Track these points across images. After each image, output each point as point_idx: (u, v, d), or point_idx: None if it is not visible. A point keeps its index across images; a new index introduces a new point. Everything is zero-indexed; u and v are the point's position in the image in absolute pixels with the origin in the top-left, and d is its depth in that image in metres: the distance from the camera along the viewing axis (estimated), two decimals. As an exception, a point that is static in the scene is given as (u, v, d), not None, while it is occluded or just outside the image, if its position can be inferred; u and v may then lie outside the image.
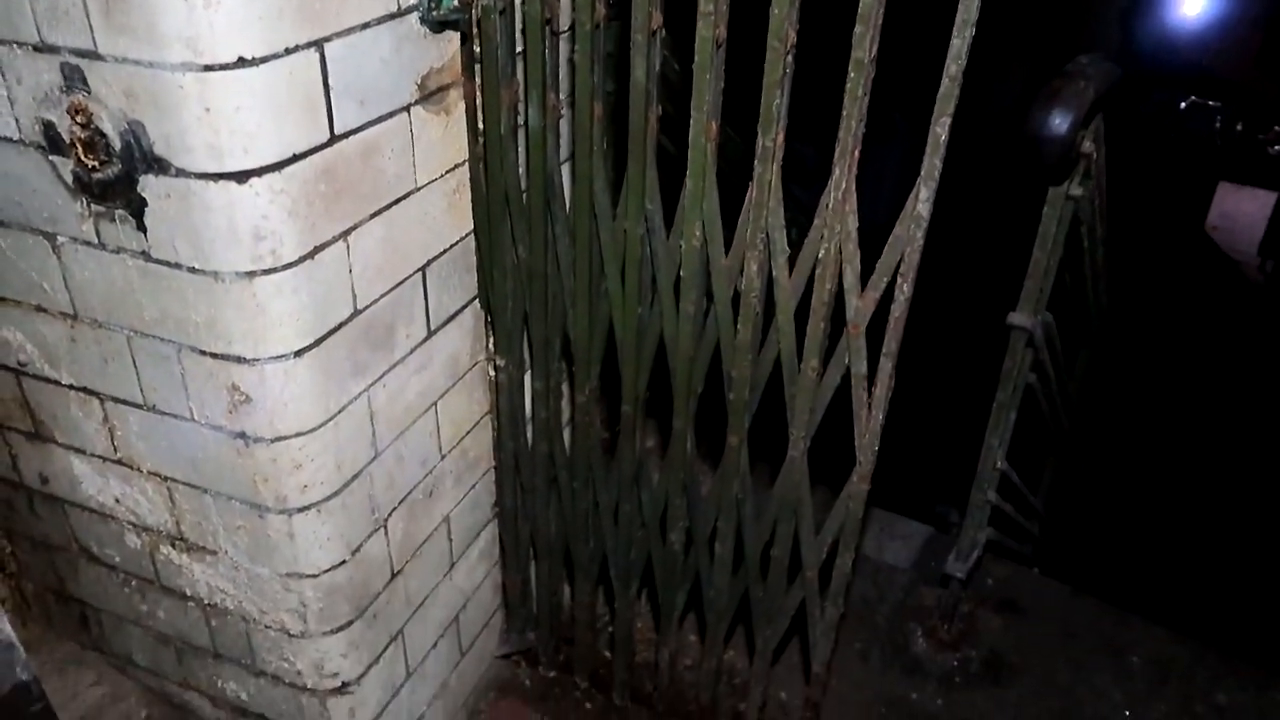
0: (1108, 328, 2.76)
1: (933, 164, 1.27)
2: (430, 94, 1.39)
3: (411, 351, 1.48)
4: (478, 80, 1.47)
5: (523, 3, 1.42)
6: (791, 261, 1.44)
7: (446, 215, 1.50)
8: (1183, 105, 8.94)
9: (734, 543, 1.71)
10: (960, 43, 1.19)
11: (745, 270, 1.45)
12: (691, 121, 1.38)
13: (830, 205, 1.35)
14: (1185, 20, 10.25)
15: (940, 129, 1.24)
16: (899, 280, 1.36)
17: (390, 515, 1.52)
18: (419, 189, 1.41)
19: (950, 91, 1.22)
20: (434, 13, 1.35)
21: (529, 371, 1.74)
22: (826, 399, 1.51)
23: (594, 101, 1.45)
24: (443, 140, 1.44)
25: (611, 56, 1.53)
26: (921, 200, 1.29)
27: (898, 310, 1.38)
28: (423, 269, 1.47)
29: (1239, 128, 8.70)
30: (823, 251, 1.39)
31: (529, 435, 1.79)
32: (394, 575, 1.57)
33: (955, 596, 2.14)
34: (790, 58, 1.31)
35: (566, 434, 1.83)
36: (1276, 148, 8.54)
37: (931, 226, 1.31)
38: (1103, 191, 1.98)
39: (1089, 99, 1.46)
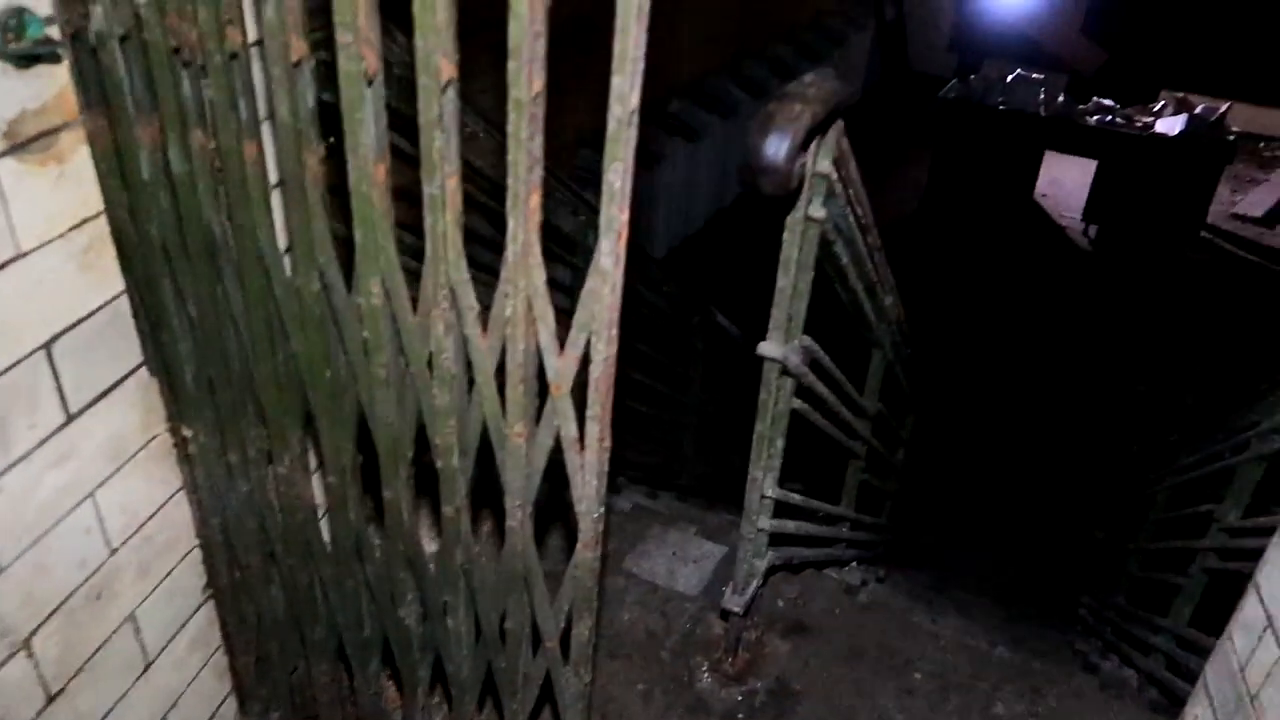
0: (902, 331, 2.74)
1: (610, 215, 1.13)
2: (27, 141, 1.15)
3: (41, 444, 1.26)
4: (105, 120, 1.25)
5: (142, 30, 1.20)
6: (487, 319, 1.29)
7: (79, 278, 1.28)
8: (1008, 79, 9.27)
9: (468, 615, 1.56)
10: (623, 81, 1.05)
11: (433, 330, 1.29)
12: (350, 168, 1.20)
13: (510, 260, 1.20)
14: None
15: (614, 176, 1.10)
16: (592, 339, 1.22)
17: (35, 634, 1.30)
18: (24, 255, 1.18)
19: (619, 134, 1.08)
20: (12, 45, 1.11)
21: (224, 441, 1.53)
22: (541, 464, 1.38)
23: (244, 142, 1.25)
24: (56, 193, 1.21)
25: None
26: (604, 254, 1.16)
27: (596, 371, 1.25)
28: (46, 346, 1.24)
29: (1060, 99, 9.09)
30: (509, 310, 1.24)
31: (235, 509, 1.59)
32: (51, 698, 1.35)
33: (737, 629, 2.07)
34: (452, 92, 1.14)
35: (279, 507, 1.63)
36: (1094, 118, 8.96)
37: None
38: (862, 203, 1.91)
39: (805, 124, 1.35)
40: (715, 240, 8.33)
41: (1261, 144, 10.71)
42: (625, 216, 1.14)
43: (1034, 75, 9.21)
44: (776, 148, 1.33)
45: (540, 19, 1.07)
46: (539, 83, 1.09)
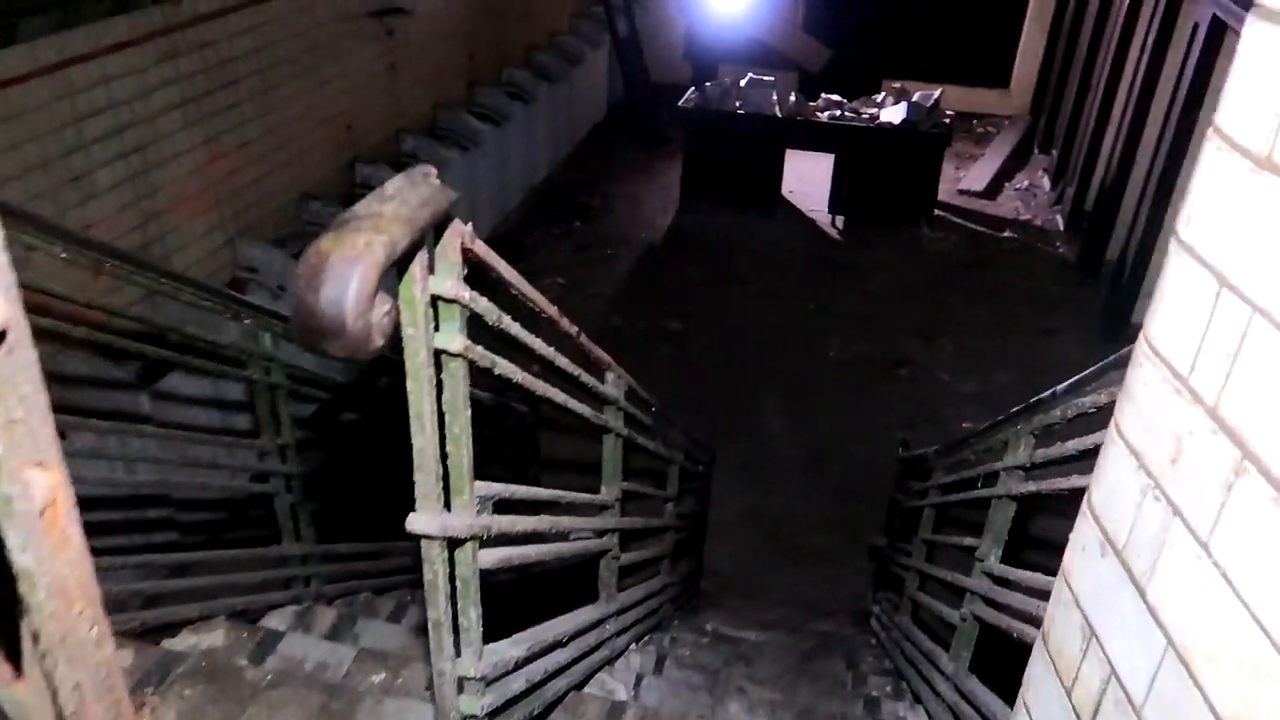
0: (635, 398, 2.45)
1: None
2: None
3: None
4: None
5: None
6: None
7: None
8: (743, 83, 9.43)
9: None
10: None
11: None
12: None
13: None
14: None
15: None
16: (48, 659, 0.79)
17: None
18: None
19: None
20: None
21: None
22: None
23: None
24: None
25: None
26: (16, 550, 0.73)
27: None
28: None
29: (793, 99, 9.34)
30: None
31: None
32: None
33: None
34: None
35: None
36: (825, 114, 9.28)
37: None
38: (534, 301, 1.57)
39: (378, 258, 0.98)
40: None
41: (975, 121, 11.58)
42: (43, 484, 0.71)
43: (766, 77, 9.42)
44: (336, 301, 0.94)
45: None
46: None
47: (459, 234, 1.21)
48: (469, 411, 1.34)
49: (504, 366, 1.43)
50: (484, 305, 1.30)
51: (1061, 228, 9.19)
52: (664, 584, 3.60)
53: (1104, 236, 7.84)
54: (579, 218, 9.39)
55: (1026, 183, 10.25)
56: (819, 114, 9.15)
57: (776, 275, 8.50)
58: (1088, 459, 1.68)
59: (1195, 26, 6.20)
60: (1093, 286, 7.99)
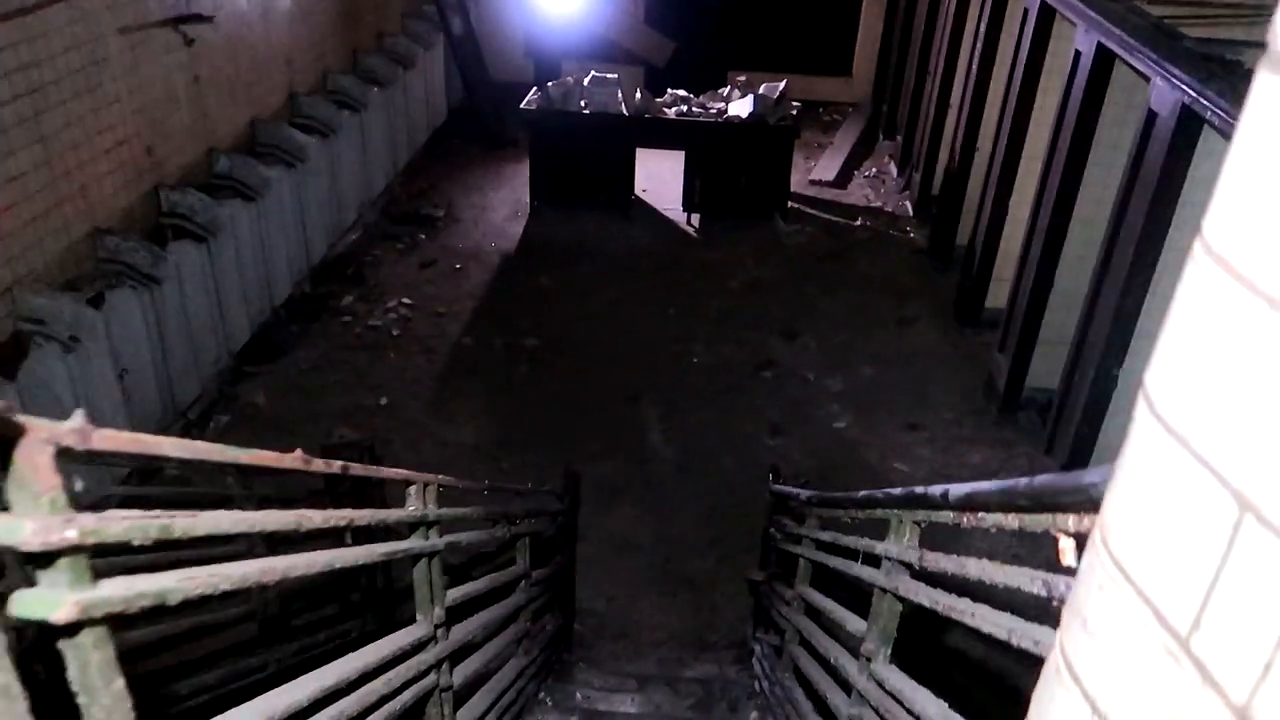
0: (443, 496, 2.01)
1: None
2: None
3: None
4: None
5: None
6: None
7: None
8: (586, 81, 9.01)
9: None
10: None
11: None
12: None
13: None
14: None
15: None
16: None
17: None
18: None
19: None
20: None
21: None
22: None
23: None
24: None
25: None
26: None
27: None
28: None
29: (639, 96, 9.00)
30: None
31: None
32: None
33: None
34: None
35: None
36: (673, 110, 8.98)
37: None
38: (245, 462, 1.10)
39: None
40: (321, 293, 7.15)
41: (820, 110, 11.54)
42: None
43: (609, 75, 9.04)
44: None
45: None
46: None
47: (47, 447, 0.74)
48: (121, 679, 0.87)
49: (189, 586, 0.96)
50: (121, 528, 0.84)
51: (911, 213, 9.22)
52: (520, 669, 3.17)
53: (952, 222, 7.85)
54: (423, 230, 8.78)
55: (875, 170, 10.27)
56: (666, 110, 8.85)
57: (635, 279, 8.15)
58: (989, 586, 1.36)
59: (1025, 12, 6.18)
60: (945, 272, 7.99)
